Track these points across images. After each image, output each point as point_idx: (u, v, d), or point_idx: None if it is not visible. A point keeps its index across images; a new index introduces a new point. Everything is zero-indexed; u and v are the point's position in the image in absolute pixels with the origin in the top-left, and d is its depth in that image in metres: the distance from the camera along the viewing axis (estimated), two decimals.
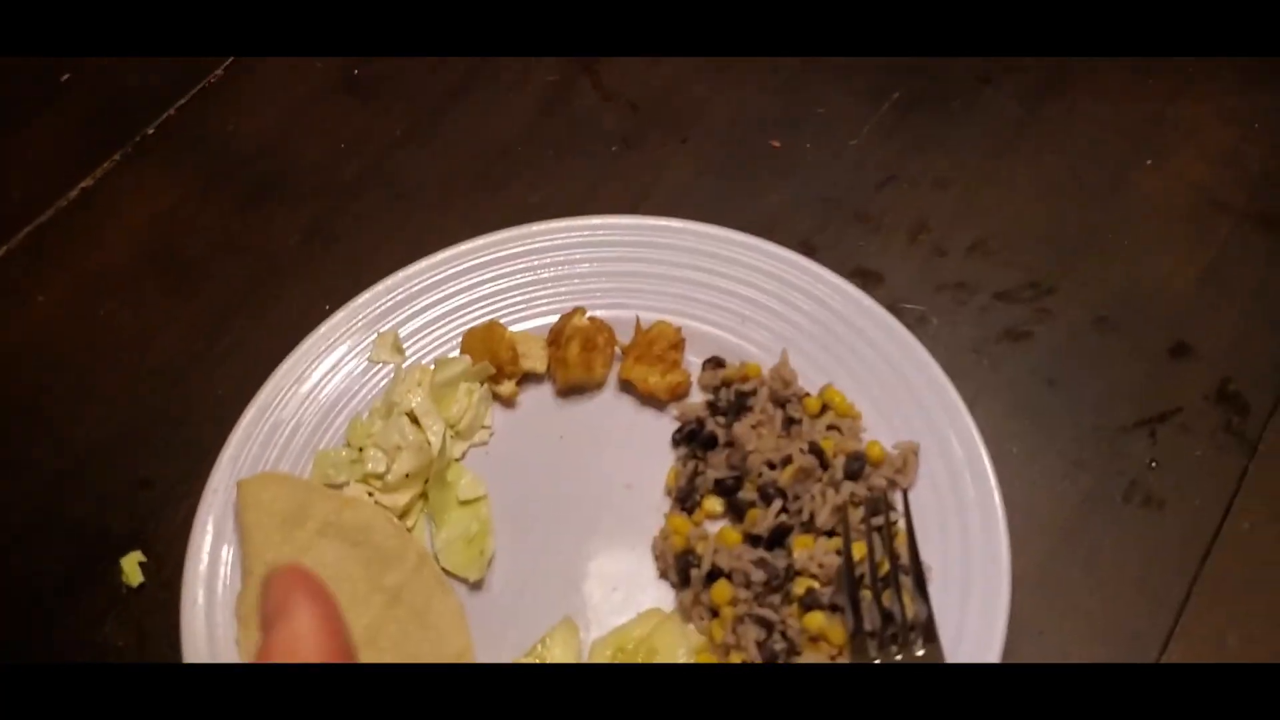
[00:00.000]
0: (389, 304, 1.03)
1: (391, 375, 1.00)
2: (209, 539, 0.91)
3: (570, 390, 1.01)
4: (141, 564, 0.96)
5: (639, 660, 0.84)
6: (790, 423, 0.96)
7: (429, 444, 0.94)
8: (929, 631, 0.82)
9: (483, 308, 1.03)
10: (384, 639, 0.87)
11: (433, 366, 0.99)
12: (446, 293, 1.04)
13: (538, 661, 0.85)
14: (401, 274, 1.04)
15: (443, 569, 0.91)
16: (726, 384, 0.99)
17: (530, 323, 1.03)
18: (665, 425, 0.99)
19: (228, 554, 0.91)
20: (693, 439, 0.96)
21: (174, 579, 0.90)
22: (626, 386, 1.00)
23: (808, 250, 1.08)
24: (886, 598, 0.84)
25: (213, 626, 0.88)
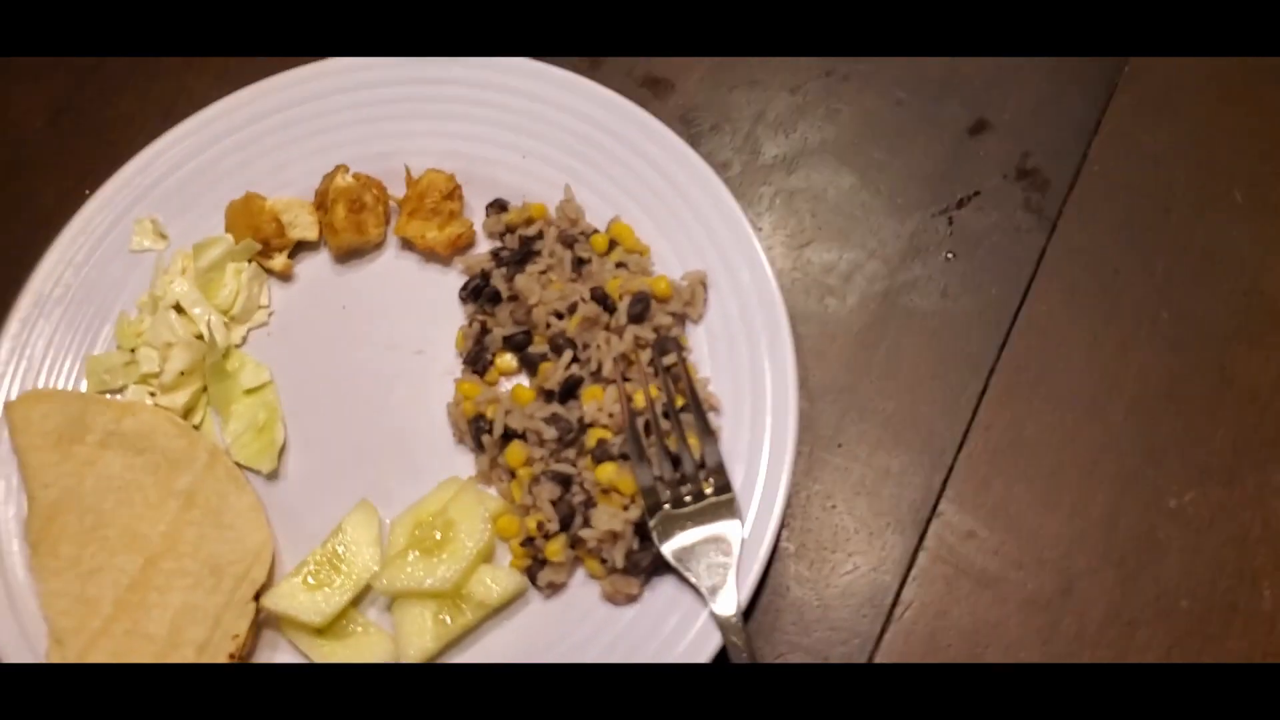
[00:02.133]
0: (141, 185, 0.96)
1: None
2: None
3: (346, 255, 0.95)
4: None
5: (437, 533, 0.83)
6: (580, 263, 0.92)
7: (199, 335, 0.90)
8: (719, 473, 0.81)
9: (239, 174, 0.96)
10: (183, 544, 0.85)
11: (192, 251, 0.93)
12: (198, 165, 0.96)
13: (336, 549, 0.84)
14: (149, 151, 0.96)
15: (236, 463, 0.89)
16: (510, 229, 0.94)
17: (294, 187, 0.96)
18: (452, 281, 0.94)
19: (9, 481, 0.88)
20: (478, 295, 0.92)
21: None
22: (407, 244, 0.95)
23: (591, 65, 1.00)
24: (672, 443, 0.82)
25: (4, 556, 0.85)
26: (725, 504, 0.81)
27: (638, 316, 0.87)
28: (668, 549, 0.79)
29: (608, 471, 0.82)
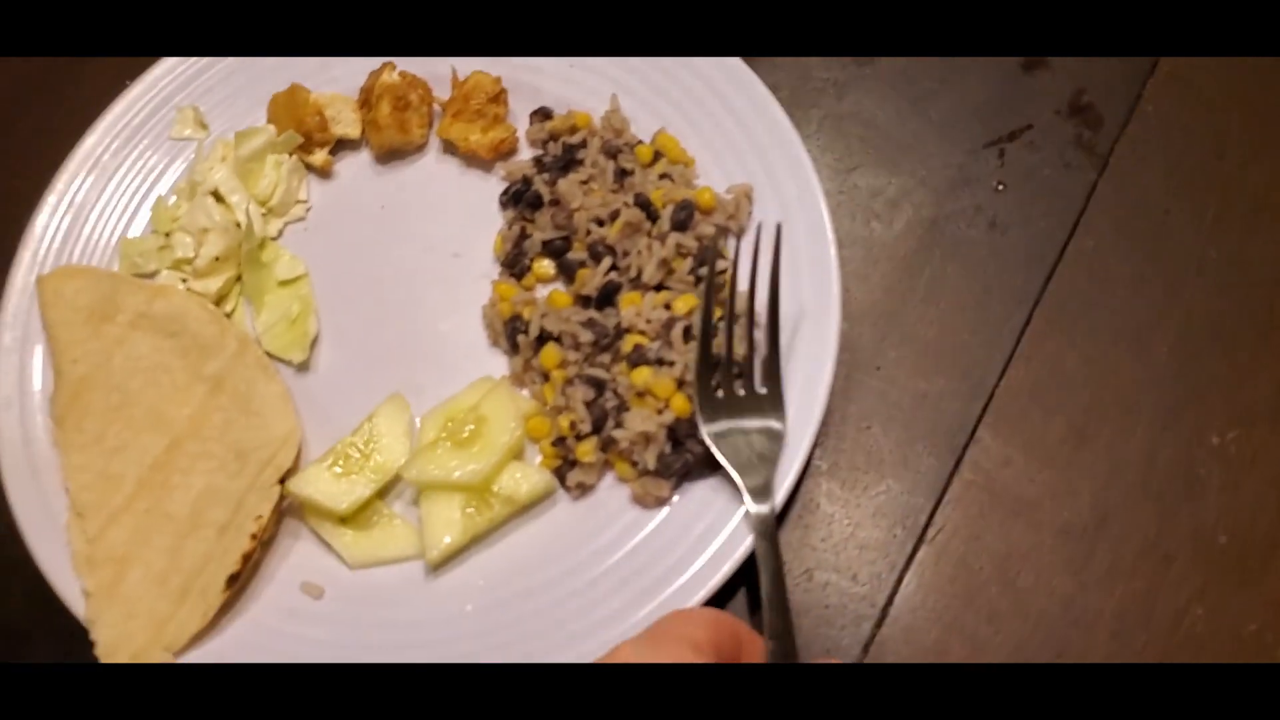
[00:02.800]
0: (185, 73, 0.95)
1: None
2: (16, 341, 0.87)
3: (388, 155, 0.94)
4: None
5: (469, 428, 0.82)
6: (623, 174, 0.90)
7: (236, 223, 0.89)
8: (773, 375, 0.80)
9: (285, 70, 0.95)
10: (209, 428, 0.84)
11: (233, 139, 0.92)
12: (243, 58, 0.95)
13: (365, 439, 0.83)
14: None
15: (266, 353, 0.88)
16: (554, 137, 0.93)
17: (339, 84, 0.95)
18: (493, 187, 0.93)
19: (38, 355, 0.87)
20: (519, 200, 0.91)
21: None
22: (449, 147, 0.94)
23: None
24: (718, 344, 0.81)
25: (29, 430, 0.85)
26: (772, 399, 0.80)
27: (681, 224, 0.86)
28: (710, 429, 0.78)
29: (643, 375, 0.81)
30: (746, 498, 0.77)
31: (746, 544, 0.77)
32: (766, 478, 0.77)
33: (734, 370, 0.80)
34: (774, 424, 0.79)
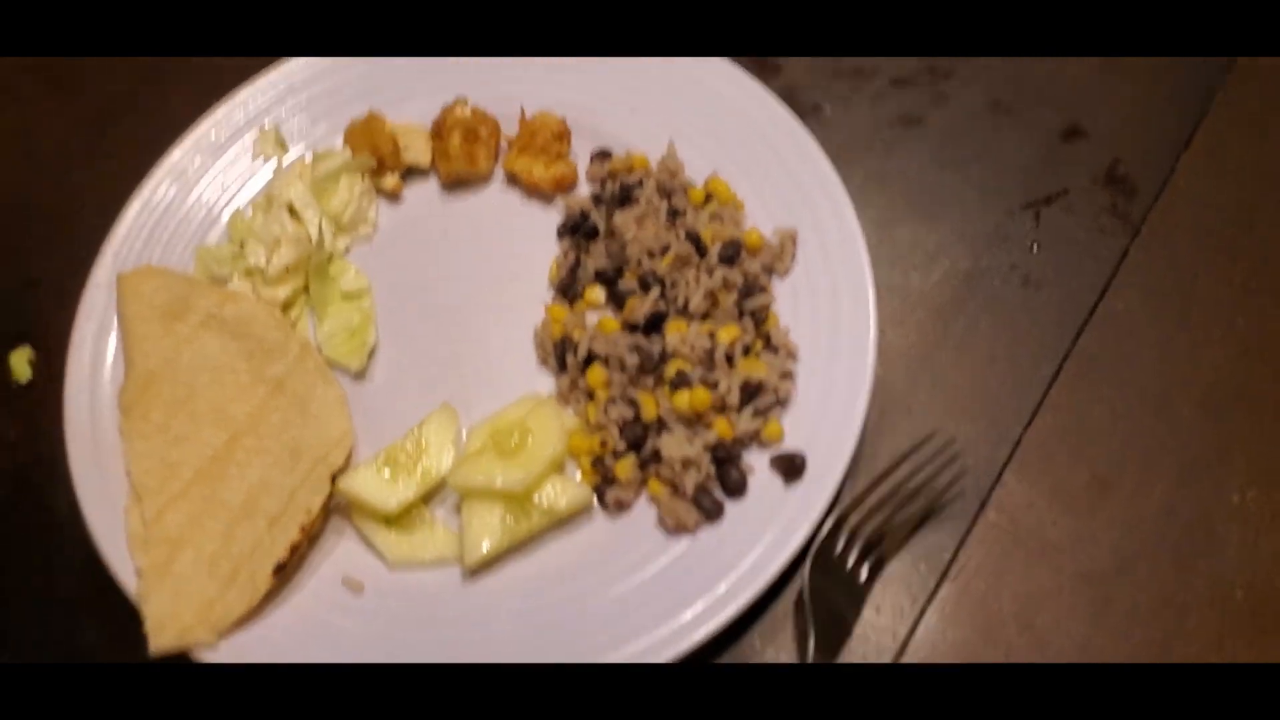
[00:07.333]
0: (271, 96, 1.02)
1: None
2: (92, 332, 0.92)
3: (454, 183, 1.00)
4: (30, 360, 0.96)
5: (514, 439, 0.85)
6: (675, 213, 0.95)
7: (308, 236, 0.94)
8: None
9: (365, 99, 1.01)
10: (267, 426, 0.88)
11: (311, 160, 0.98)
12: (327, 85, 1.02)
13: (414, 445, 0.87)
14: (283, 66, 1.02)
15: (326, 359, 0.92)
16: (613, 175, 0.98)
17: (413, 115, 1.01)
18: (551, 218, 0.98)
19: (111, 346, 0.92)
20: (576, 230, 0.96)
21: (62, 374, 0.91)
22: (512, 179, 0.99)
23: None
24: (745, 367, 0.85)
25: (97, 417, 0.89)
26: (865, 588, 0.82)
27: (729, 259, 0.90)
28: (813, 579, 0.81)
29: (684, 398, 0.85)
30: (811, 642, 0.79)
31: (773, 569, 0.80)
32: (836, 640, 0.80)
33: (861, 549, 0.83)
34: (857, 607, 0.82)
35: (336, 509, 0.87)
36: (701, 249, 0.91)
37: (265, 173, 0.99)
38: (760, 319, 0.89)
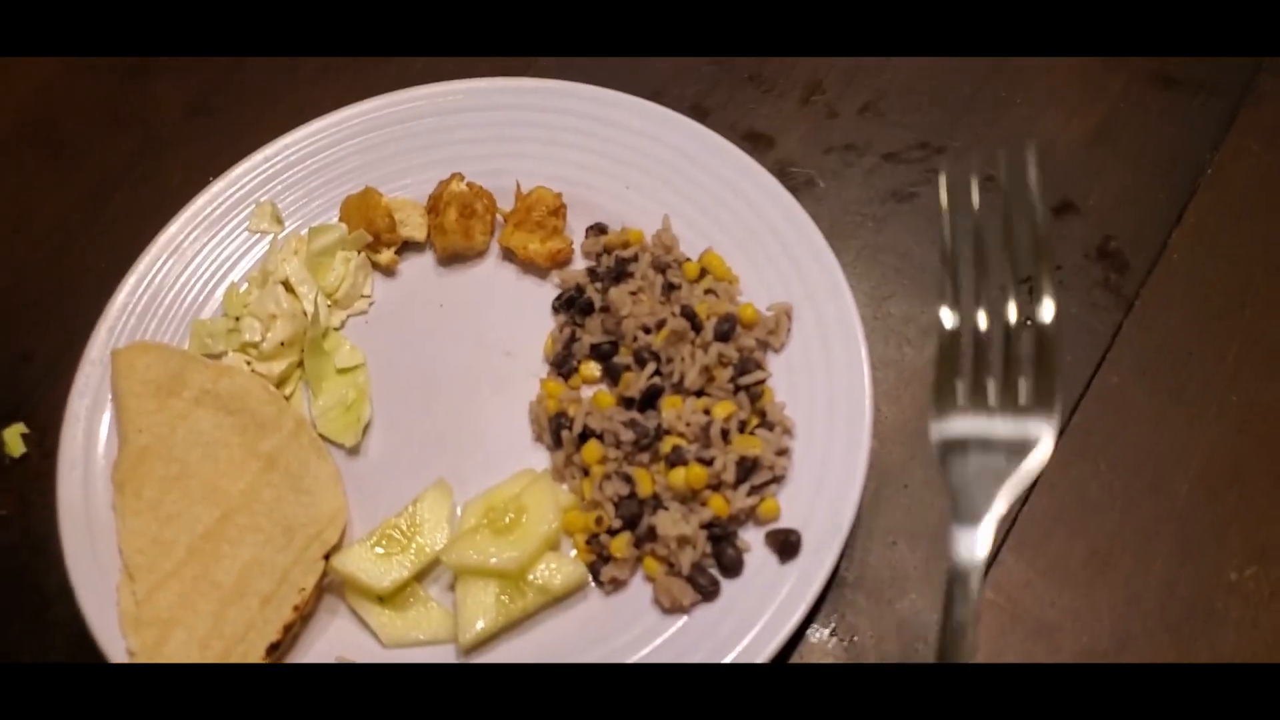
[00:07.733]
0: (267, 173, 1.02)
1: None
2: (85, 408, 0.92)
3: (450, 258, 1.00)
4: (24, 435, 0.96)
5: (509, 516, 0.85)
6: (670, 288, 0.96)
7: (303, 311, 0.94)
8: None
9: (360, 175, 1.02)
10: (260, 503, 0.88)
11: (307, 234, 0.98)
12: (323, 161, 1.03)
13: (408, 522, 0.87)
14: (279, 142, 1.03)
15: (320, 435, 0.92)
16: (608, 250, 0.98)
17: (409, 190, 1.02)
18: (546, 293, 0.98)
19: (105, 423, 0.92)
20: (571, 305, 0.96)
21: (56, 449, 0.90)
22: (508, 254, 1.00)
23: (699, 113, 1.06)
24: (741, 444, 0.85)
25: (90, 493, 0.89)
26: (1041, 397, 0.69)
27: (724, 335, 0.90)
28: (943, 432, 0.71)
29: (680, 475, 0.85)
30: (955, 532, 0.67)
31: (770, 648, 0.79)
32: (988, 506, 0.66)
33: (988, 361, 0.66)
34: (1034, 433, 0.66)
35: (330, 587, 0.87)
36: (697, 324, 0.92)
37: (261, 248, 1.00)
38: (756, 395, 0.89)
